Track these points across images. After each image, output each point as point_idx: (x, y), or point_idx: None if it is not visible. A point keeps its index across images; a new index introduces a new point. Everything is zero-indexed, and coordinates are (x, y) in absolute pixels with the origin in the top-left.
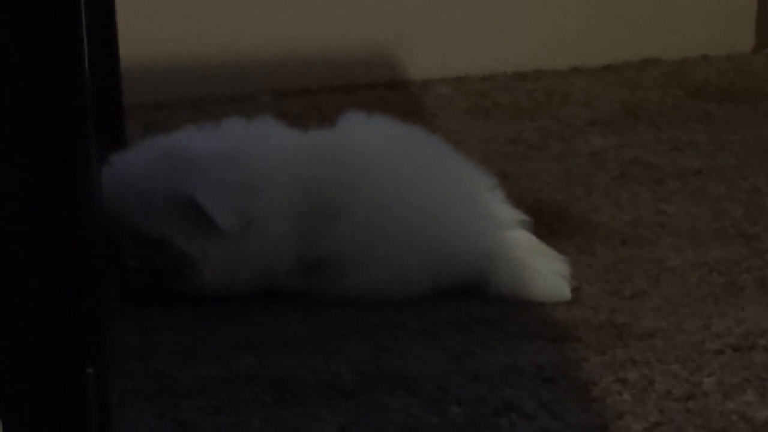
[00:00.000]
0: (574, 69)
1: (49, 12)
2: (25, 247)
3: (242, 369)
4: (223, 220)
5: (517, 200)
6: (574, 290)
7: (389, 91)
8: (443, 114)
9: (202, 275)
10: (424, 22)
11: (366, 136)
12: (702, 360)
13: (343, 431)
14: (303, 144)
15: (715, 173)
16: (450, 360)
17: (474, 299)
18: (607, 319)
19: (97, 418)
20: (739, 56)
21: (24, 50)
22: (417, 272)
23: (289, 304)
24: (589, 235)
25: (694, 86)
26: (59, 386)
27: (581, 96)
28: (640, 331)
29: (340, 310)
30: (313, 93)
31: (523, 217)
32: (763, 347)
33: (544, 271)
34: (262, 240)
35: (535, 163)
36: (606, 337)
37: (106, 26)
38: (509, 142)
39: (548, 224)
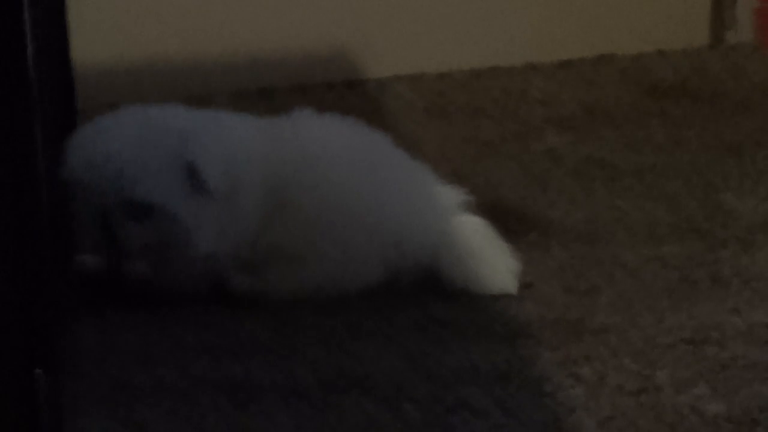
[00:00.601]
0: (530, 66)
1: None
2: None
3: (198, 371)
4: (215, 185)
5: (474, 199)
6: (528, 287)
7: (347, 90)
8: (401, 113)
9: (194, 245)
10: (381, 20)
11: (314, 131)
12: (654, 354)
13: (299, 431)
14: (265, 129)
15: (670, 170)
16: (405, 360)
17: (431, 300)
18: (561, 315)
19: (48, 420)
20: (695, 51)
21: None
22: (368, 260)
23: (245, 307)
24: (545, 232)
25: (650, 83)
26: (7, 387)
27: (538, 94)
28: (594, 327)
29: (296, 312)
30: (270, 93)
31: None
32: (716, 341)
33: (492, 262)
34: (240, 209)
35: (491, 162)
36: (560, 334)
37: (58, 28)
38: (466, 141)
39: (504, 222)
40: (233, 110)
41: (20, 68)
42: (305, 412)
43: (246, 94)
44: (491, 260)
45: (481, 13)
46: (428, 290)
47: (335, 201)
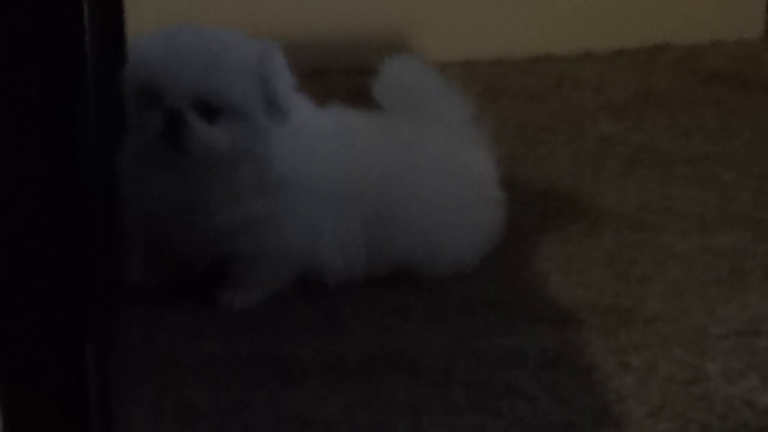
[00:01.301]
0: (586, 54)
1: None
2: (25, 223)
3: (246, 348)
4: (287, 107)
5: (526, 184)
6: (580, 273)
7: None
8: None
9: (269, 158)
10: (435, 5)
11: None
12: (705, 345)
13: (346, 411)
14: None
15: (723, 159)
16: (454, 342)
17: (480, 282)
18: (612, 302)
19: (97, 395)
20: (750, 42)
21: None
22: None
23: (293, 286)
24: (597, 219)
25: (704, 72)
26: (59, 362)
27: (592, 81)
28: (645, 316)
29: (345, 292)
30: (320, 75)
31: None
32: (767, 333)
33: None
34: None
35: (544, 148)
36: (610, 321)
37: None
38: (519, 126)
39: (556, 208)
40: None
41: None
42: (353, 392)
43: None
44: None
45: (536, 0)
46: (477, 272)
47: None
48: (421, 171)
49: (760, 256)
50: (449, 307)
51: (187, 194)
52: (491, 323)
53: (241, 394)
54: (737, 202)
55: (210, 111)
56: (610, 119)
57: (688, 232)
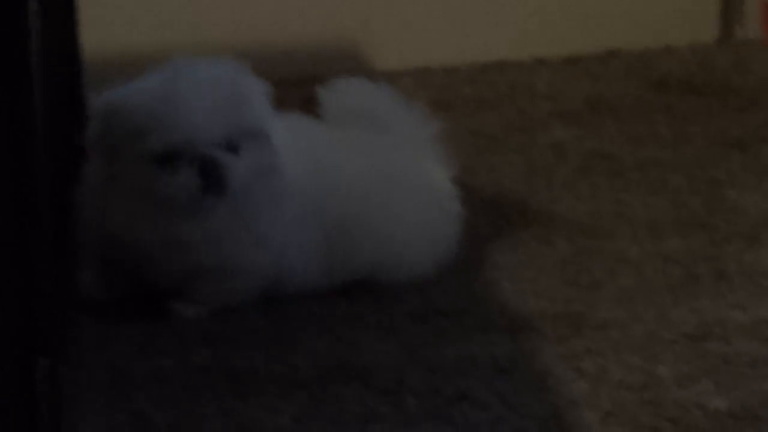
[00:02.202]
0: (537, 61)
1: None
2: None
3: (198, 361)
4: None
5: (478, 191)
6: (531, 280)
7: None
8: None
9: (280, 171)
10: (388, 13)
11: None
12: (656, 349)
13: (298, 422)
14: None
15: (675, 165)
16: (406, 351)
17: (431, 291)
18: (564, 309)
19: (47, 409)
20: (703, 47)
21: None
22: None
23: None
24: (548, 226)
25: (656, 78)
26: (9, 376)
27: (543, 88)
28: (596, 321)
29: (296, 303)
30: (275, 84)
31: None
32: (719, 337)
33: None
34: None
35: (496, 155)
36: (562, 327)
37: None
38: (471, 134)
39: (508, 215)
40: None
41: (23, 60)
42: (305, 403)
43: None
44: None
45: (487, 7)
46: (428, 281)
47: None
48: (381, 179)
49: (710, 260)
50: (401, 317)
51: (192, 232)
52: (443, 332)
53: (193, 406)
54: (688, 207)
55: (234, 145)
56: (562, 126)
57: (639, 238)
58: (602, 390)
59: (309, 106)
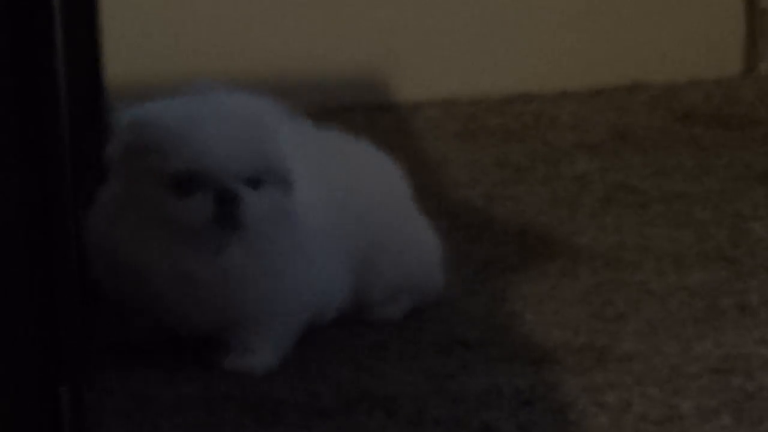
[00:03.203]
0: (562, 93)
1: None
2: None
3: (222, 389)
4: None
5: (503, 222)
6: (555, 312)
7: (379, 113)
8: (431, 136)
9: (300, 221)
10: (414, 44)
11: None
12: (679, 383)
13: None
14: None
15: (699, 198)
16: (430, 381)
17: (455, 322)
18: (587, 341)
19: None
20: (728, 80)
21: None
22: None
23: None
24: (572, 257)
25: (682, 110)
26: (32, 403)
27: (569, 119)
28: (619, 354)
29: (321, 332)
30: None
31: None
32: (742, 371)
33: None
34: None
35: (521, 186)
36: (585, 360)
37: (90, 44)
38: (496, 165)
39: (532, 246)
40: None
41: (49, 83)
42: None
43: None
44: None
45: (513, 39)
46: (452, 311)
47: None
48: (392, 201)
49: (734, 294)
50: (424, 346)
51: (205, 267)
52: (466, 362)
53: None
54: (712, 240)
55: (257, 181)
56: (587, 158)
57: (663, 270)
58: (624, 423)
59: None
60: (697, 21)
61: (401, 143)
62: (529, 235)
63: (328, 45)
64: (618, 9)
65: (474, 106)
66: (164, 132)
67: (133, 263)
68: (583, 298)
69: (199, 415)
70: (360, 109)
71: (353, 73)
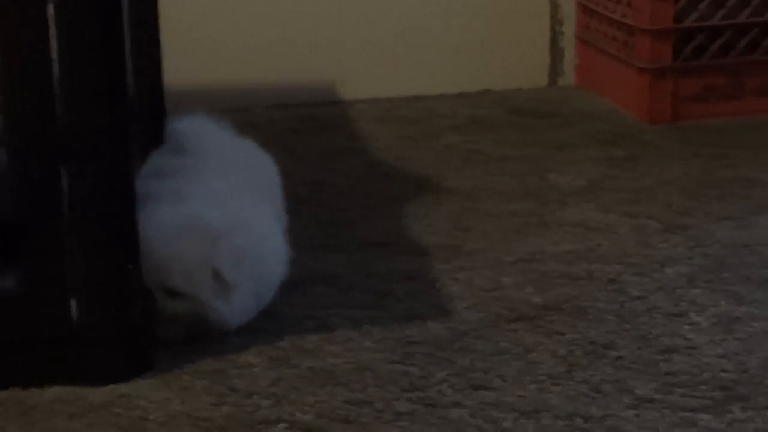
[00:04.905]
0: (442, 95)
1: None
2: None
3: None
4: (235, 282)
5: (403, 172)
6: (431, 225)
7: (328, 107)
8: (362, 121)
9: (226, 321)
10: (352, 60)
11: None
12: (502, 268)
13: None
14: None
15: (521, 159)
16: (354, 266)
17: (370, 229)
18: (449, 242)
19: None
20: (540, 89)
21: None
22: None
23: None
24: (443, 193)
25: (512, 107)
26: None
27: (445, 111)
28: (467, 250)
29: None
30: (278, 107)
31: None
32: (540, 260)
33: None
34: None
35: (415, 151)
36: (447, 254)
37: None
38: (401, 138)
39: (420, 187)
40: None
41: (119, 87)
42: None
43: (237, 110)
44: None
45: (414, 61)
46: (368, 224)
47: None
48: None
49: (538, 215)
50: (351, 245)
51: None
52: (377, 255)
53: None
54: (527, 184)
55: (174, 293)
56: (455, 134)
57: (497, 202)
58: (469, 291)
59: (297, 126)
60: (522, 51)
61: (343, 126)
62: (419, 180)
63: (290, 56)
64: (476, 44)
65: (389, 103)
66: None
67: None
68: (447, 216)
69: None
70: (318, 105)
71: (310, 78)
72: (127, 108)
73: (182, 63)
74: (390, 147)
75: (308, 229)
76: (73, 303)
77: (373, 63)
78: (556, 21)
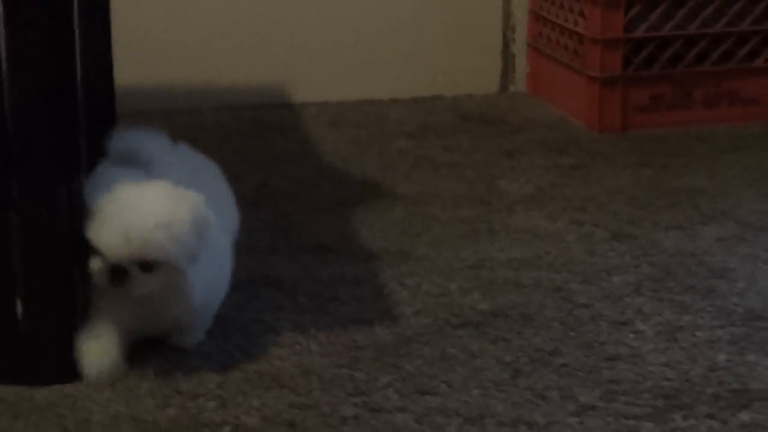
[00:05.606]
0: (393, 100)
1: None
2: None
3: None
4: (206, 243)
5: (351, 176)
6: (380, 230)
7: (280, 109)
8: (312, 124)
9: (193, 294)
10: (304, 66)
11: None
12: (450, 274)
13: (237, 310)
14: None
15: (469, 165)
16: (303, 270)
17: (321, 234)
18: (398, 248)
19: None
20: (490, 96)
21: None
22: None
23: None
24: (393, 198)
25: (462, 113)
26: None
27: (396, 116)
28: (416, 256)
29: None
30: (227, 109)
31: None
32: (488, 267)
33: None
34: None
35: (365, 155)
36: (395, 259)
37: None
38: (351, 142)
39: (369, 191)
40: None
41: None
42: (240, 298)
43: (185, 112)
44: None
45: (365, 66)
46: (319, 228)
47: None
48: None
49: (487, 222)
50: (301, 249)
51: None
52: (326, 259)
53: None
54: (476, 190)
55: (148, 265)
56: (405, 140)
57: (446, 207)
58: (416, 296)
59: (246, 128)
60: (473, 60)
61: (293, 129)
62: (368, 185)
63: (241, 58)
64: (428, 49)
65: (339, 107)
66: (91, 204)
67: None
68: (397, 222)
69: None
70: (268, 107)
71: (260, 80)
72: (77, 109)
73: (130, 62)
74: (340, 151)
75: (255, 232)
76: (18, 303)
77: (325, 66)
78: (508, 28)
